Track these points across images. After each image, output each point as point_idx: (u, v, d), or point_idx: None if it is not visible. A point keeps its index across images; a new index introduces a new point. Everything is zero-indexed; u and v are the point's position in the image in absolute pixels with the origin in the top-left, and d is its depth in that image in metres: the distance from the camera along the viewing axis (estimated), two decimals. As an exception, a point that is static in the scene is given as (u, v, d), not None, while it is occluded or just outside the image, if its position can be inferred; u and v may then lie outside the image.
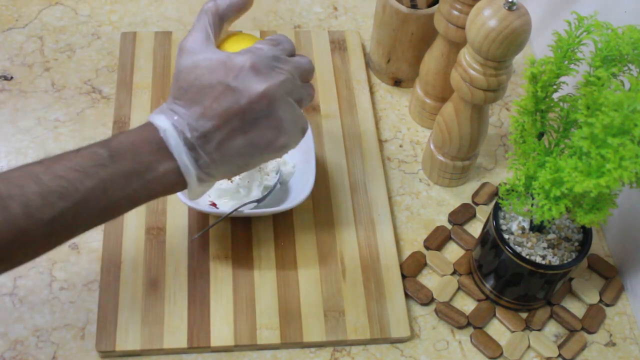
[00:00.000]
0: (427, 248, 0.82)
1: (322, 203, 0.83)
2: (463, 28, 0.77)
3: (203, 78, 0.59)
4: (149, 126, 0.59)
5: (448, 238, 0.83)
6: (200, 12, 0.63)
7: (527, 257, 0.72)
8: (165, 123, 0.59)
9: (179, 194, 0.75)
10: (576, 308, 0.79)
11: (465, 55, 0.73)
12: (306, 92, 0.63)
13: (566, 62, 0.64)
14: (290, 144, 0.63)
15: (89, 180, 0.56)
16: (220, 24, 0.64)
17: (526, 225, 0.74)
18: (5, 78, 0.91)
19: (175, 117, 0.59)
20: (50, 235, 0.57)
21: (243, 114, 0.59)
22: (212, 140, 0.59)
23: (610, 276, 0.81)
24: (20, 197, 0.53)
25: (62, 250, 0.79)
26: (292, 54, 0.63)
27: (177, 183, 0.60)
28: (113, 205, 0.59)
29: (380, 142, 0.90)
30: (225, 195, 0.79)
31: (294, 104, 0.62)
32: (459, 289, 0.80)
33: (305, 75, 0.63)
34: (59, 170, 0.55)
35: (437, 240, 0.82)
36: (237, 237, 0.80)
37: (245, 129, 0.60)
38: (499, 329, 0.78)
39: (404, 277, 0.79)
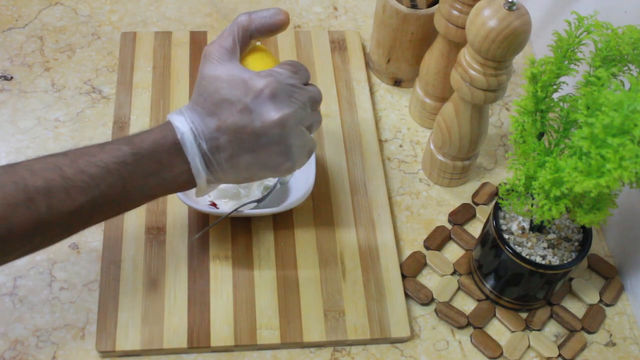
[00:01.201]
0: (427, 248, 0.82)
1: (322, 203, 0.83)
2: (463, 28, 0.77)
3: (223, 92, 0.61)
4: (169, 126, 0.62)
5: (448, 238, 0.83)
6: (233, 21, 0.65)
7: (527, 257, 0.72)
8: (183, 126, 0.61)
9: (179, 194, 0.75)
10: (576, 308, 0.79)
11: (465, 55, 0.73)
12: (315, 119, 0.66)
13: (566, 62, 0.64)
14: (296, 167, 0.66)
15: (110, 177, 0.59)
16: (248, 40, 0.66)
17: (526, 225, 0.74)
18: (5, 78, 0.91)
19: (193, 123, 0.62)
20: (69, 226, 0.59)
21: (256, 137, 0.62)
22: (223, 152, 0.62)
23: (610, 276, 0.82)
24: (45, 189, 0.56)
25: (62, 250, 0.79)
26: (307, 83, 0.65)
27: (188, 182, 0.63)
28: (129, 199, 0.62)
29: (380, 142, 0.90)
30: (225, 196, 0.79)
31: (304, 130, 0.64)
32: (459, 289, 0.80)
33: (316, 104, 0.66)
34: (83, 165, 0.58)
35: (437, 240, 0.82)
36: (237, 237, 0.80)
37: (255, 149, 0.62)
38: (499, 329, 0.78)
39: (404, 277, 0.79)
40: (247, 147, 0.62)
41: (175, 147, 0.61)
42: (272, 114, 0.61)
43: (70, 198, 0.57)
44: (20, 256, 0.59)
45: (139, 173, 0.60)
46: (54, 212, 0.57)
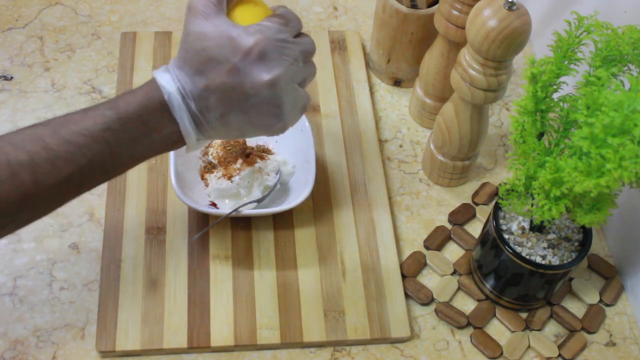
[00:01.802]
0: (427, 248, 0.82)
1: (322, 203, 0.83)
2: (463, 28, 0.77)
3: (210, 50, 0.59)
4: (154, 85, 0.60)
5: (448, 238, 0.83)
6: None
7: (527, 257, 0.72)
8: (170, 85, 0.59)
9: (179, 194, 0.75)
10: (576, 308, 0.79)
11: (465, 55, 0.73)
12: (309, 72, 0.64)
13: (566, 62, 0.64)
14: (288, 126, 0.64)
15: (96, 145, 0.57)
16: None
17: (526, 225, 0.74)
18: (5, 78, 0.91)
19: (180, 82, 0.59)
20: (57, 197, 0.58)
21: (246, 97, 0.60)
22: (213, 112, 0.60)
23: (610, 276, 0.81)
24: (29, 163, 0.55)
25: (62, 250, 0.79)
26: (298, 34, 0.63)
27: (178, 142, 0.62)
28: (118, 165, 0.60)
29: (380, 142, 0.90)
30: (225, 196, 0.79)
31: (296, 87, 0.62)
32: (459, 289, 0.80)
33: (308, 56, 0.63)
34: (67, 135, 0.56)
35: (437, 240, 0.82)
36: (237, 237, 0.80)
37: (246, 109, 0.60)
38: (499, 329, 0.78)
39: (404, 277, 0.79)
40: (238, 107, 0.60)
41: (163, 108, 0.59)
42: (262, 75, 0.59)
43: (55, 170, 0.56)
44: (11, 231, 0.58)
45: (126, 138, 0.59)
46: (40, 186, 0.55)
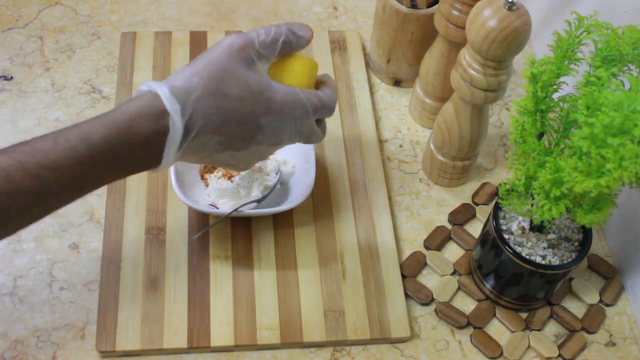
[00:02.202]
0: (427, 248, 0.82)
1: (322, 203, 0.83)
2: (463, 28, 0.77)
3: (242, 109, 0.59)
4: (147, 113, 0.56)
5: (448, 238, 0.83)
6: (278, 25, 0.62)
7: (527, 257, 0.72)
8: (178, 119, 0.56)
9: (179, 194, 0.75)
10: (576, 308, 0.79)
11: (465, 55, 0.73)
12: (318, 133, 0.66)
13: (566, 62, 0.64)
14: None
15: (65, 179, 0.54)
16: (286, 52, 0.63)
17: (526, 225, 0.74)
18: (5, 78, 0.91)
19: (188, 116, 0.57)
20: (18, 226, 0.56)
21: (245, 147, 0.62)
22: (207, 149, 0.60)
23: (610, 276, 0.81)
24: None
25: (62, 250, 0.79)
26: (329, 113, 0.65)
27: (151, 168, 0.59)
28: (85, 192, 0.58)
29: (380, 142, 0.90)
30: (225, 195, 0.79)
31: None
32: (459, 289, 0.80)
33: (314, 141, 0.66)
34: (33, 169, 0.53)
35: (437, 240, 0.82)
36: (237, 237, 0.80)
37: (237, 154, 0.63)
38: (499, 329, 0.78)
39: (404, 277, 0.79)
40: (230, 150, 0.62)
41: (149, 142, 0.56)
42: (268, 140, 0.62)
43: (18, 202, 0.53)
44: None
45: (96, 173, 0.56)
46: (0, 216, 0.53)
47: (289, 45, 0.62)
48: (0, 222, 0.53)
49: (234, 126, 0.59)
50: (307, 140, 0.65)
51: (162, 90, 0.56)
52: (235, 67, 0.58)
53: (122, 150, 0.56)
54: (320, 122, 0.66)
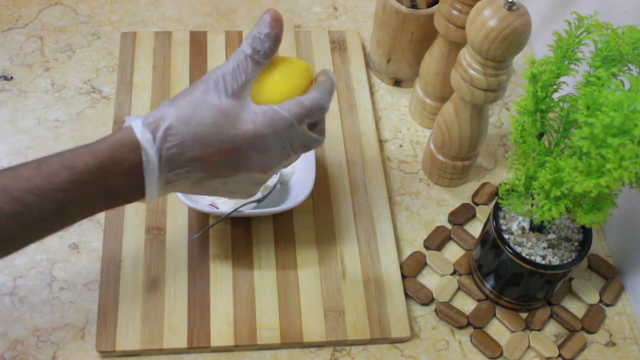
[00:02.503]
0: (427, 248, 0.82)
1: (322, 203, 0.83)
2: (463, 28, 0.77)
3: (216, 125, 0.58)
4: (122, 142, 0.57)
5: (448, 238, 0.83)
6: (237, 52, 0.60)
7: (527, 257, 0.72)
8: (150, 147, 0.56)
9: (179, 194, 0.75)
10: (576, 308, 0.79)
11: (465, 55, 0.73)
12: (313, 140, 0.64)
13: (566, 62, 0.64)
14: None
15: (47, 204, 0.55)
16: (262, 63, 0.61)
17: (526, 225, 0.74)
18: (5, 78, 0.91)
19: (163, 144, 0.57)
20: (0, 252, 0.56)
21: (234, 174, 0.61)
22: (191, 178, 0.60)
23: (610, 276, 0.81)
24: None
25: (62, 250, 0.79)
26: (319, 120, 0.63)
27: (135, 200, 0.60)
28: (69, 221, 0.58)
29: (380, 142, 0.90)
30: (225, 195, 0.79)
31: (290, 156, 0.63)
32: (459, 289, 0.80)
33: (308, 150, 0.64)
34: (16, 193, 0.54)
35: (437, 240, 0.82)
36: (237, 237, 0.80)
37: (227, 182, 0.62)
38: (499, 329, 0.78)
39: (404, 277, 0.79)
40: (219, 178, 0.60)
41: (128, 172, 0.56)
42: (255, 162, 0.60)
43: None
44: None
45: (79, 200, 0.56)
46: None
47: (262, 55, 0.60)
48: None
49: (215, 153, 0.58)
50: (305, 149, 0.63)
51: (136, 123, 0.57)
52: (209, 96, 0.58)
53: (104, 179, 0.56)
54: (315, 125, 0.63)
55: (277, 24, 0.59)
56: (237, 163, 0.60)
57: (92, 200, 0.57)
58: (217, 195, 0.64)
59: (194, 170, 0.59)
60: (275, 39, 0.60)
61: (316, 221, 0.81)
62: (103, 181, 0.56)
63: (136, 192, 0.59)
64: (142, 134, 0.57)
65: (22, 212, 0.54)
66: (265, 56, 0.60)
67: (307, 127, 0.62)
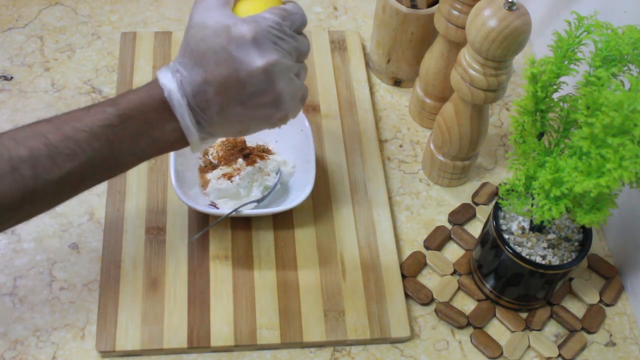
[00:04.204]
0: (427, 248, 0.82)
1: (322, 203, 0.83)
2: (463, 28, 0.77)
3: (208, 40, 0.59)
4: (156, 83, 0.60)
5: (448, 238, 0.83)
6: None
7: (527, 257, 0.72)
8: (170, 83, 0.60)
9: (179, 194, 0.75)
10: (576, 308, 0.79)
11: (465, 55, 0.73)
12: (302, 67, 0.64)
13: (566, 62, 0.64)
14: (289, 116, 0.64)
15: (97, 142, 0.58)
16: None
17: (526, 225, 0.74)
18: (5, 78, 0.91)
19: (181, 78, 0.60)
20: (58, 193, 0.59)
21: (242, 86, 0.60)
22: (212, 106, 0.60)
23: (610, 276, 0.81)
24: (29, 159, 0.55)
25: (62, 250, 0.79)
26: (300, 28, 0.62)
27: (181, 141, 0.62)
28: (120, 162, 0.61)
29: (380, 142, 0.90)
30: (225, 196, 0.79)
31: (293, 77, 0.62)
32: (459, 289, 0.80)
33: (301, 56, 0.63)
34: (68, 131, 0.57)
35: (437, 240, 0.82)
36: (237, 237, 0.80)
37: (245, 100, 0.60)
38: (499, 329, 0.78)
39: (404, 277, 0.79)
40: (236, 99, 0.60)
41: (163, 106, 0.60)
42: (255, 60, 0.59)
43: (56, 166, 0.56)
44: (12, 225, 0.59)
45: (127, 134, 0.59)
46: (41, 181, 0.56)
47: None
48: (45, 188, 0.56)
49: (216, 66, 0.59)
50: (301, 56, 0.62)
51: (165, 76, 0.60)
52: (198, 18, 0.60)
53: (149, 116, 0.59)
54: (295, 38, 0.62)
55: None
56: (238, 69, 0.59)
57: (139, 136, 0.60)
58: (251, 129, 0.64)
59: (209, 96, 0.60)
60: None
61: (316, 221, 0.81)
62: (148, 118, 0.59)
63: (179, 137, 0.61)
64: (169, 83, 0.60)
65: (75, 150, 0.57)
66: None
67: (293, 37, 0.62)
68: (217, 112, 0.61)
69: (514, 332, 0.77)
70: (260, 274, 0.77)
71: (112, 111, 0.58)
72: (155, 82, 0.60)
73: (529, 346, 0.77)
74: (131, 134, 0.59)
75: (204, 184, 0.80)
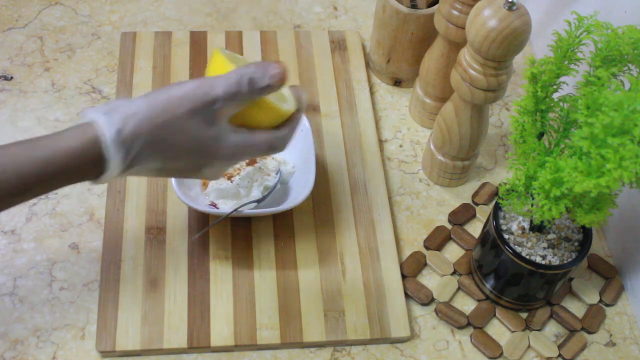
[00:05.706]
0: (427, 248, 0.82)
1: (322, 203, 0.83)
2: (463, 28, 0.77)
3: (185, 145, 0.59)
4: (85, 136, 0.57)
5: (448, 238, 0.83)
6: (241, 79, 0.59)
7: (527, 257, 0.72)
8: (112, 138, 0.57)
9: (179, 194, 0.75)
10: (576, 308, 0.79)
11: (465, 55, 0.73)
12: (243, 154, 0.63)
13: (566, 62, 0.64)
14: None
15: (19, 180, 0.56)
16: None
17: (526, 225, 0.74)
18: (5, 78, 0.91)
19: (128, 135, 0.57)
20: None
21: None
22: (146, 167, 0.59)
23: (610, 276, 0.81)
24: None
25: (62, 250, 0.79)
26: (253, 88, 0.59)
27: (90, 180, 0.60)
28: (26, 198, 0.59)
29: (380, 142, 0.90)
30: (225, 196, 0.79)
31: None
32: (459, 289, 0.80)
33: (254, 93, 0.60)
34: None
35: (437, 240, 0.82)
36: (237, 237, 0.80)
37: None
38: (499, 329, 0.78)
39: (404, 277, 0.79)
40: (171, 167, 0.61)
41: (92, 162, 0.57)
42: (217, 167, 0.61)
43: None
44: None
45: (43, 186, 0.58)
46: None
47: (256, 91, 0.59)
48: None
49: (179, 162, 0.60)
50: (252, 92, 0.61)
51: (109, 132, 0.57)
52: (189, 122, 0.58)
53: (55, 182, 0.57)
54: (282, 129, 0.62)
55: (283, 79, 0.59)
56: (200, 168, 0.61)
57: (55, 184, 0.58)
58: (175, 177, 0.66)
59: (153, 167, 0.59)
60: (276, 89, 0.59)
61: (316, 221, 0.81)
62: (54, 184, 0.57)
63: (94, 179, 0.59)
64: (115, 153, 0.57)
65: None
66: (258, 96, 0.60)
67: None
68: (149, 169, 0.59)
69: (514, 332, 0.77)
70: (260, 274, 0.77)
71: (13, 181, 0.55)
72: (83, 134, 0.57)
73: (529, 346, 0.77)
74: (47, 185, 0.58)
75: (204, 184, 0.80)
